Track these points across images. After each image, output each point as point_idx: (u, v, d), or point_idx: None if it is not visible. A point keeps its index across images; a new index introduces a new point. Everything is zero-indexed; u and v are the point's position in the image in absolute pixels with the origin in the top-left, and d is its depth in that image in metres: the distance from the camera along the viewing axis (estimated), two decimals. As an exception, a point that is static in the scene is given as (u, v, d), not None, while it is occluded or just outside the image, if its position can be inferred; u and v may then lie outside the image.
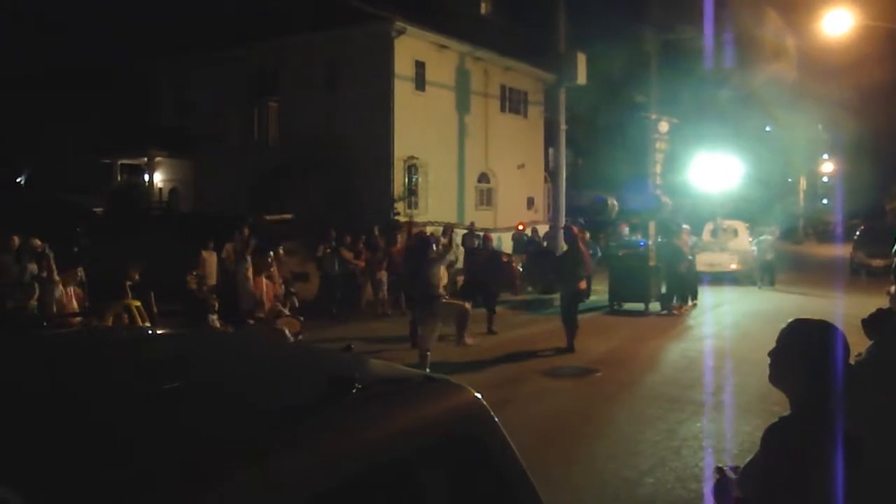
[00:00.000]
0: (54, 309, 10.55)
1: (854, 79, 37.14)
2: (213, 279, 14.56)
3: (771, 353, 2.60)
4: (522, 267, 19.19)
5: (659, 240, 19.53)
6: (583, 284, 13.27)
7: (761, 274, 23.05)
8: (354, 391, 1.98)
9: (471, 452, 2.15)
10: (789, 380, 2.53)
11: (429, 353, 10.60)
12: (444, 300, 11.25)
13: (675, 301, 17.95)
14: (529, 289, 20.17)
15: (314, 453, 1.79)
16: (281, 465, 1.70)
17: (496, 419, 2.27)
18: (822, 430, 2.41)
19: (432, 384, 2.28)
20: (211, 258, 14.87)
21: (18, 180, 28.57)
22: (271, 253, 13.34)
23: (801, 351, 2.51)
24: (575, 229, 14.07)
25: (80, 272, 11.50)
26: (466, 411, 2.23)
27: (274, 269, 13.19)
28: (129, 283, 11.58)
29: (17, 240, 11.85)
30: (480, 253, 17.13)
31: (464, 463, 2.14)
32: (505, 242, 23.32)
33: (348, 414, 1.95)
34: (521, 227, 23.54)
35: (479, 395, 2.29)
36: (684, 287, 18.34)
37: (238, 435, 1.79)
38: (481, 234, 18.85)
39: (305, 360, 2.77)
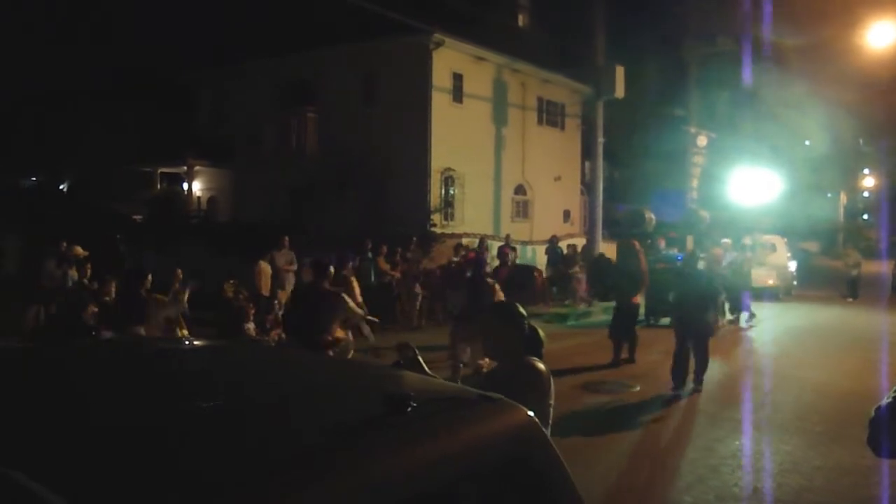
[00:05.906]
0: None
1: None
2: (266, 290, 14.73)
3: None
4: (587, 275, 19.06)
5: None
6: (637, 298, 13.20)
7: (850, 288, 24.08)
8: (410, 410, 1.98)
9: (526, 474, 2.12)
10: None
11: (461, 365, 10.40)
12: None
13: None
14: (567, 302, 20.09)
15: (371, 473, 1.77)
16: (340, 485, 1.69)
17: (551, 440, 2.25)
18: None
19: (488, 403, 2.23)
20: (266, 269, 15.08)
21: (60, 187, 29.12)
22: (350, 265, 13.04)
23: None
24: (636, 245, 13.99)
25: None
26: (522, 432, 2.20)
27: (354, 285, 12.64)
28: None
29: (63, 245, 12.07)
30: (503, 269, 16.98)
31: (519, 485, 2.11)
32: (539, 255, 23.31)
33: (404, 433, 1.93)
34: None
35: (532, 414, 2.26)
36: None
37: (294, 454, 1.78)
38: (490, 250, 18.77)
39: (359, 376, 2.77)
